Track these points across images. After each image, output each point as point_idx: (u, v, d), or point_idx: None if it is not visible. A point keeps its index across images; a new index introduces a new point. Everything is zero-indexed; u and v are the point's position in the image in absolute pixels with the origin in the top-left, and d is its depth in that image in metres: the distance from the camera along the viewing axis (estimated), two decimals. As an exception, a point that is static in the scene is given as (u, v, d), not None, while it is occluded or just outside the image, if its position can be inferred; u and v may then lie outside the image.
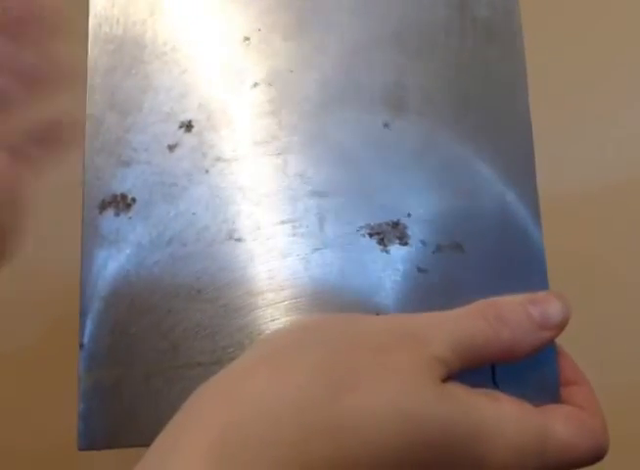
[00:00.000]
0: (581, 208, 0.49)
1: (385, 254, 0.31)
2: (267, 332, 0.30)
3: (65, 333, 0.33)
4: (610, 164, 0.51)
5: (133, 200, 0.31)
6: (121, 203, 0.31)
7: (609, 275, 0.46)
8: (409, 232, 0.31)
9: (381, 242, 0.31)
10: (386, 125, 0.32)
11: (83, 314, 0.30)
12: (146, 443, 0.29)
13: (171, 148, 0.31)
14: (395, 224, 0.31)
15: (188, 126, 0.31)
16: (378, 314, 0.30)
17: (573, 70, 0.52)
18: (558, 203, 0.33)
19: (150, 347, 0.30)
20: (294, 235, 0.31)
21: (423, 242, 0.31)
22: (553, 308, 0.29)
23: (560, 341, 0.30)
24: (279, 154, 0.31)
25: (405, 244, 0.31)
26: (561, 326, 0.29)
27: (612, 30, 0.53)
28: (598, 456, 0.28)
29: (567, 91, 0.52)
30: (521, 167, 0.31)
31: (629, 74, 0.53)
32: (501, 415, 0.27)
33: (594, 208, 0.50)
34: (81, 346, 0.30)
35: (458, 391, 0.27)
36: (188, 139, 0.31)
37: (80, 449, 0.29)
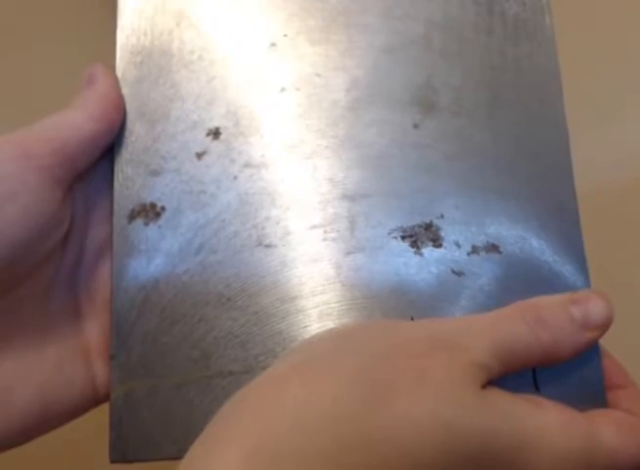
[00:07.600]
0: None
1: (418, 256, 0.30)
2: (300, 339, 0.29)
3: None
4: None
5: (162, 208, 0.31)
6: (150, 212, 0.31)
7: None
8: (442, 234, 0.30)
9: (413, 244, 0.30)
10: (415, 126, 0.31)
11: (114, 324, 0.30)
12: (178, 454, 0.28)
13: (199, 156, 0.31)
14: (428, 226, 0.30)
15: (215, 133, 0.31)
16: (413, 319, 0.29)
17: (609, 66, 0.51)
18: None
19: (181, 356, 0.29)
20: (324, 240, 0.30)
21: (457, 243, 0.30)
22: (595, 308, 0.27)
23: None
24: (308, 158, 0.31)
25: (439, 246, 0.30)
26: (604, 326, 0.27)
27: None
28: None
29: (602, 87, 0.50)
30: (558, 165, 0.31)
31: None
32: (545, 423, 0.25)
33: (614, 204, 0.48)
34: (113, 356, 0.29)
35: (499, 398, 0.25)
36: (216, 146, 0.31)
37: (112, 461, 0.28)
